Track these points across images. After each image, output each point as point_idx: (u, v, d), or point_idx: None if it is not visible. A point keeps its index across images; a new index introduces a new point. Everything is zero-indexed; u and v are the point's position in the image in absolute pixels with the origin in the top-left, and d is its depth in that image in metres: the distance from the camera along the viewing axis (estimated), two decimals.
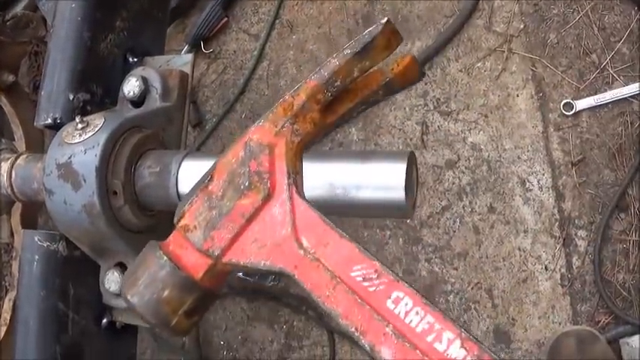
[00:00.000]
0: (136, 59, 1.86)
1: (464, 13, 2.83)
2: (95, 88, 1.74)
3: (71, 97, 1.68)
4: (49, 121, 1.67)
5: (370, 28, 0.96)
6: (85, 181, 1.46)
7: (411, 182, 1.29)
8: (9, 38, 2.02)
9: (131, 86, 1.66)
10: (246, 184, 0.94)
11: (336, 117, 1.00)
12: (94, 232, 1.51)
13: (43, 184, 1.52)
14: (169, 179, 1.50)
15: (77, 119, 1.52)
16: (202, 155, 1.59)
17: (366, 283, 0.82)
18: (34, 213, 2.13)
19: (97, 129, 1.51)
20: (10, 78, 2.09)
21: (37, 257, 1.61)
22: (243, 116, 2.94)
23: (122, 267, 1.61)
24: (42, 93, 1.72)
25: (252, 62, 2.98)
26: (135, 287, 0.99)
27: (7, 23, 2.02)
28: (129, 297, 0.99)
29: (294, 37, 2.98)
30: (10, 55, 2.09)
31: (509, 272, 2.62)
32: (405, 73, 1.02)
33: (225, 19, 3.04)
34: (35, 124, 1.71)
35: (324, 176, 1.33)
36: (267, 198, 0.93)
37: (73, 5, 1.73)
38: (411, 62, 1.02)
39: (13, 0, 2.29)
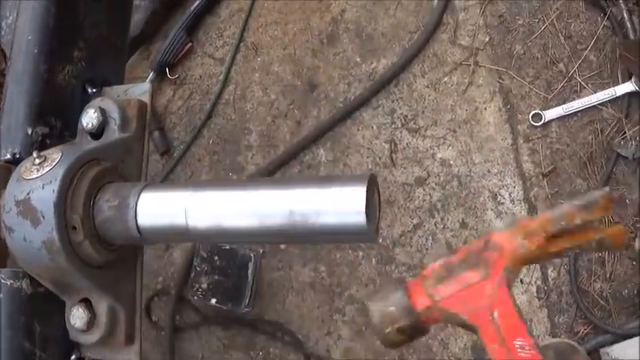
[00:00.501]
0: (94, 90, 1.83)
1: (428, 29, 2.82)
2: (54, 121, 1.72)
3: (29, 131, 1.66)
4: (8, 156, 1.65)
5: (597, 191, 1.17)
6: (43, 217, 1.44)
7: (373, 206, 1.29)
8: None
9: (89, 118, 1.64)
10: (477, 263, 1.18)
11: (555, 249, 1.18)
12: (55, 269, 1.49)
13: (3, 222, 1.50)
14: (128, 212, 1.48)
15: (34, 154, 1.50)
16: (162, 187, 1.57)
17: (519, 350, 1.13)
18: (2, 250, 2.10)
19: (54, 163, 1.49)
20: None
21: (1, 295, 1.58)
22: (211, 142, 2.92)
23: (87, 303, 1.58)
24: (1, 128, 1.69)
25: (218, 87, 2.96)
26: (375, 297, 1.24)
27: None
28: (371, 304, 1.25)
29: (259, 59, 2.97)
30: None
31: None
32: (612, 236, 1.18)
33: (190, 44, 3.02)
34: None
35: (283, 203, 1.34)
36: (486, 278, 1.17)
37: (30, 37, 1.70)
38: (618, 231, 1.18)
39: None
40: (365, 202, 1.25)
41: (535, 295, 2.55)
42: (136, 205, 1.48)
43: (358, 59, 2.87)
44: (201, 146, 2.92)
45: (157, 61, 2.99)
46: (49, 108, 1.71)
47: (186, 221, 1.44)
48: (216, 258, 2.60)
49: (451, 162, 2.69)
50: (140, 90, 1.81)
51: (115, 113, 1.66)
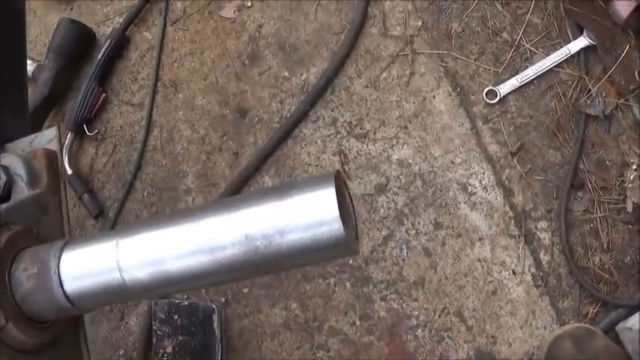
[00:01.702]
0: None
1: (354, 26, 2.58)
2: None
3: None
4: None
5: None
6: None
7: (346, 208, 1.11)
8: None
9: None
10: None
11: None
12: None
13: None
14: (51, 279, 1.22)
15: None
16: (85, 241, 1.28)
17: None
18: None
19: None
20: None
21: None
22: (146, 193, 2.63)
23: None
24: None
25: (142, 134, 2.68)
26: None
27: None
28: None
29: (180, 96, 2.69)
30: None
31: (475, 288, 2.35)
32: None
33: (104, 94, 2.74)
34: None
35: (235, 228, 1.11)
36: None
37: None
38: None
39: None
40: (337, 205, 1.04)
41: (532, 284, 2.32)
42: (59, 268, 1.21)
43: (286, 73, 2.61)
44: (136, 200, 2.63)
45: (72, 120, 2.70)
46: None
47: (121, 276, 1.18)
48: (176, 317, 2.32)
49: (409, 161, 2.44)
50: (46, 138, 1.58)
51: (19, 169, 1.41)
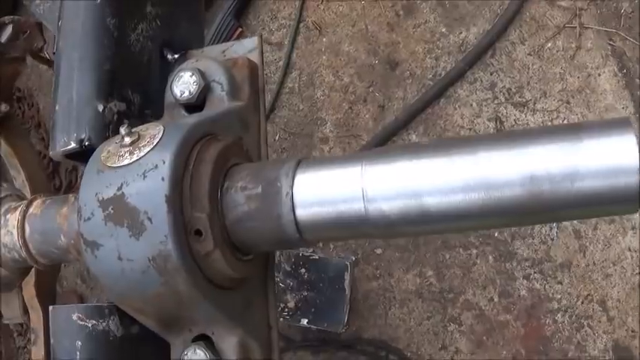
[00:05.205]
0: (175, 56, 1.30)
1: None
2: (130, 94, 1.19)
3: (100, 107, 1.13)
4: (73, 144, 1.12)
5: None
6: (150, 220, 0.89)
7: None
8: None
9: (184, 85, 1.11)
10: None
11: None
12: (167, 297, 0.95)
13: (79, 235, 0.95)
14: (280, 201, 0.95)
15: (123, 130, 0.96)
16: (322, 162, 0.99)
17: None
18: (51, 280, 1.56)
19: (155, 141, 0.95)
20: (3, 107, 1.49)
21: (79, 343, 1.05)
22: (277, 137, 2.37)
23: (205, 341, 1.03)
24: (56, 109, 1.15)
25: (280, 74, 2.42)
26: None
27: None
28: None
29: (324, 39, 2.41)
30: (1, 76, 1.49)
31: (622, 278, 2.10)
32: None
33: (240, 29, 2.47)
34: (51, 153, 1.15)
35: (518, 167, 0.89)
36: None
37: None
38: None
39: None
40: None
41: None
42: (292, 189, 0.94)
43: (444, 29, 2.32)
44: (267, 143, 2.35)
45: None
46: (123, 77, 1.18)
47: (364, 207, 0.93)
48: (302, 271, 2.05)
49: None
50: (245, 48, 1.30)
51: (219, 76, 1.13)
